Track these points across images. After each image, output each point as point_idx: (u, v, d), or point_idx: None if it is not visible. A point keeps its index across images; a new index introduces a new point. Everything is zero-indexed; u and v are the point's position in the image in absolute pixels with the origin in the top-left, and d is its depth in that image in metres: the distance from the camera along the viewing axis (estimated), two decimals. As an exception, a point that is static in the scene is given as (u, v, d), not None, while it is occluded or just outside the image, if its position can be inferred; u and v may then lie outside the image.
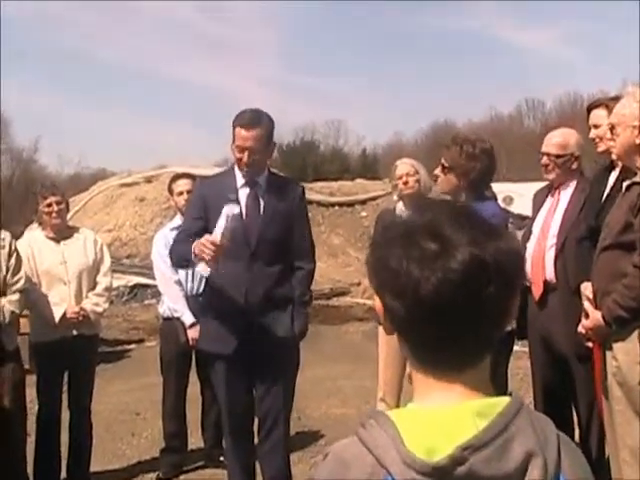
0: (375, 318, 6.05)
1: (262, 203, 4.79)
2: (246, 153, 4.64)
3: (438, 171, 4.94)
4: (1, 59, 71.32)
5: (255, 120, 4.66)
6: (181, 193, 6.23)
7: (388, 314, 1.37)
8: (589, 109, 4.98)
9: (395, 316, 1.35)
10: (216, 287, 4.85)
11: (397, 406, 5.49)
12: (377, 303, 1.40)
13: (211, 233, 4.45)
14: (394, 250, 1.32)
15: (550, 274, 4.94)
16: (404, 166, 5.83)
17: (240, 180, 4.80)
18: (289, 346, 4.85)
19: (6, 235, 5.39)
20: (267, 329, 4.74)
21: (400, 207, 5.84)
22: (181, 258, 4.75)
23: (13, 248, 5.37)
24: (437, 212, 1.35)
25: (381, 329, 5.70)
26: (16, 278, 5.34)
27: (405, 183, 5.77)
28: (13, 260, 5.33)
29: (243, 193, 4.79)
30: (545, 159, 5.08)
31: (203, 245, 4.32)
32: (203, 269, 4.50)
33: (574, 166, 5.07)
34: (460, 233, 1.30)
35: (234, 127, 4.68)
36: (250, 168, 4.71)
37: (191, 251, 4.44)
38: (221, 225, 4.39)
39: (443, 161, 4.85)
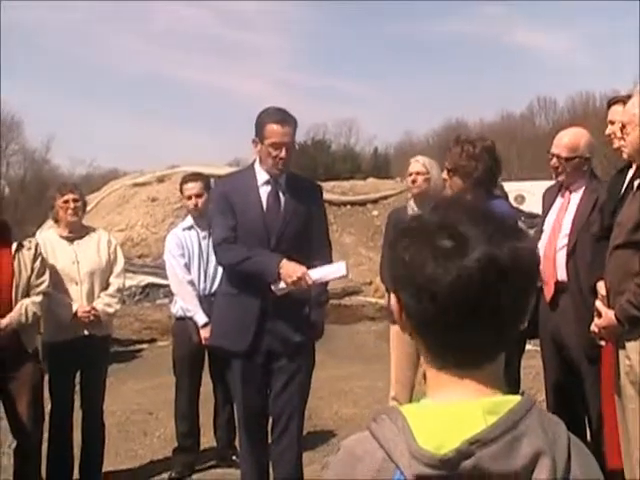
0: (389, 316, 6.06)
1: (282, 202, 4.81)
2: (284, 149, 4.67)
3: (444, 174, 4.93)
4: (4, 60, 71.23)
5: (287, 116, 4.72)
6: (190, 197, 6.23)
7: (405, 311, 1.37)
8: (609, 105, 4.93)
9: (412, 313, 1.35)
10: (233, 285, 4.86)
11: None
12: (393, 301, 1.41)
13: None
14: (411, 248, 1.33)
15: (562, 275, 4.92)
16: (416, 164, 5.82)
17: (261, 178, 4.82)
18: (305, 346, 4.86)
19: (32, 239, 5.50)
20: (283, 328, 4.76)
21: (412, 205, 5.83)
22: (257, 272, 4.67)
23: (38, 251, 5.45)
24: (454, 210, 1.36)
25: (393, 328, 5.71)
26: (40, 280, 5.40)
27: (413, 182, 5.77)
28: (38, 262, 5.41)
29: (264, 191, 4.81)
30: (555, 161, 5.04)
31: (299, 278, 4.52)
32: (279, 288, 4.62)
33: (584, 168, 5.03)
34: (476, 231, 1.31)
35: (265, 124, 4.69)
36: (285, 165, 4.76)
37: (272, 269, 4.58)
38: (326, 273, 4.64)
39: (447, 164, 4.84)
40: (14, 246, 5.33)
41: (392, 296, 1.41)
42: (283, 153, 4.68)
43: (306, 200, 4.88)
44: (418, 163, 5.83)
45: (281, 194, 4.82)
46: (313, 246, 4.86)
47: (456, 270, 1.28)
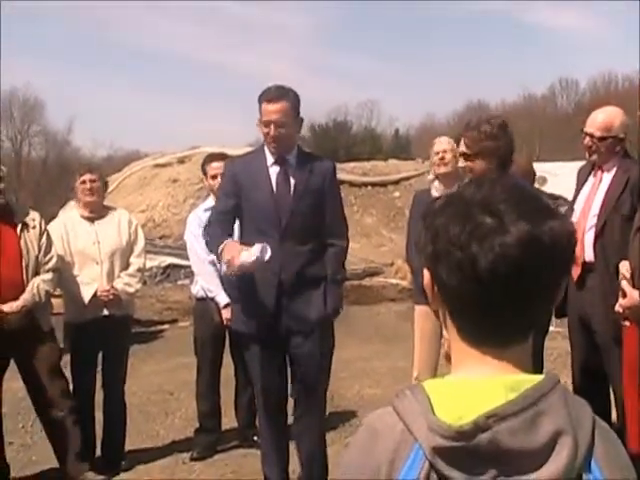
0: (415, 296, 6.01)
1: (292, 181, 4.77)
2: (272, 126, 4.64)
3: (461, 162, 4.82)
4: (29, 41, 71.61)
5: (279, 94, 4.67)
6: (215, 177, 6.20)
7: (439, 287, 1.35)
8: None
9: (448, 290, 1.33)
10: None
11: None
12: (426, 276, 1.38)
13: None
14: (450, 224, 1.31)
15: (589, 255, 4.87)
16: (442, 143, 5.79)
17: (270, 158, 4.79)
18: (323, 325, 4.83)
19: (35, 215, 5.48)
20: (300, 308, 4.73)
21: (435, 186, 5.79)
22: (211, 245, 4.77)
23: (43, 228, 5.45)
24: (493, 188, 1.34)
25: (417, 308, 5.68)
26: (48, 257, 5.41)
27: (442, 159, 5.72)
28: (44, 239, 5.41)
29: (273, 171, 4.78)
30: (588, 140, 4.95)
31: (231, 261, 4.39)
32: (226, 270, 4.62)
33: (617, 148, 4.95)
34: (516, 210, 1.29)
35: (260, 103, 4.68)
36: (277, 142, 4.70)
37: (219, 247, 4.55)
38: (246, 257, 4.38)
39: (465, 150, 4.71)
40: (19, 227, 5.33)
41: (425, 272, 1.39)
42: (272, 131, 4.65)
43: (318, 178, 4.83)
44: (445, 142, 5.80)
45: (291, 173, 4.78)
46: (327, 224, 4.82)
47: (498, 248, 1.26)
